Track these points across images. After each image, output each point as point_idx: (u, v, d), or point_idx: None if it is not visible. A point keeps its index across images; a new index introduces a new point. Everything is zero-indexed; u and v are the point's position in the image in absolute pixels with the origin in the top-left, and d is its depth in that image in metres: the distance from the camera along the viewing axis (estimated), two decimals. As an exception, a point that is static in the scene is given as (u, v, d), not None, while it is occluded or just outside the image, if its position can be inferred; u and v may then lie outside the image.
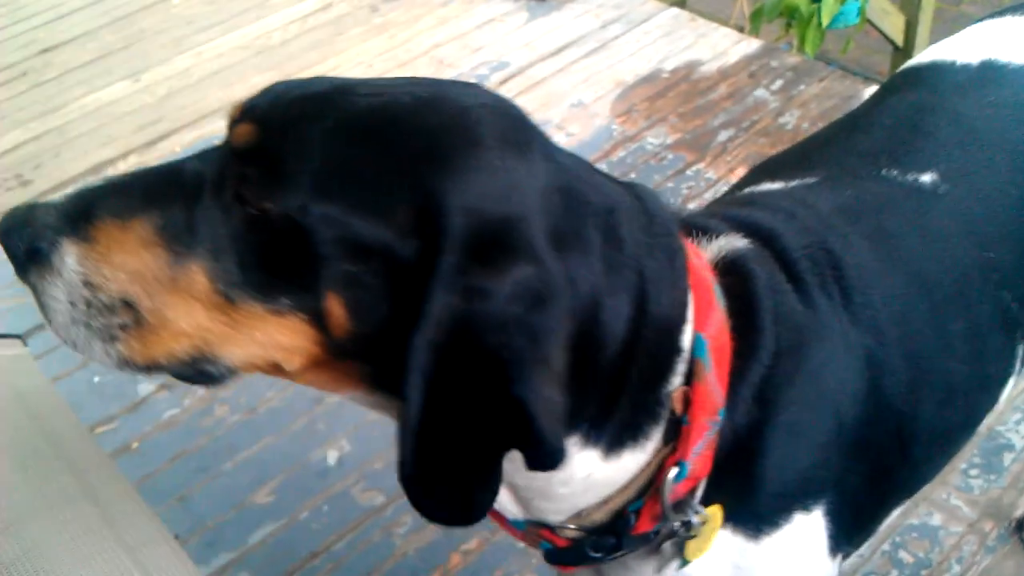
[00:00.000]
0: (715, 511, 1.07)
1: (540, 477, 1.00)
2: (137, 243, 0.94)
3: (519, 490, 1.07)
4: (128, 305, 0.93)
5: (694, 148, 3.23)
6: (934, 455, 1.29)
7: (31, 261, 0.94)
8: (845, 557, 1.22)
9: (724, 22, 3.96)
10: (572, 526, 1.09)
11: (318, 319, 0.90)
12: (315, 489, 2.34)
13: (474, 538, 2.18)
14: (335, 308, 0.89)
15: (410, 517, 2.24)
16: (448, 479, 0.92)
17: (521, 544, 2.14)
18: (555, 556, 1.14)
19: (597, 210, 0.95)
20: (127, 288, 0.93)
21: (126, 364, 0.95)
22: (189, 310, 0.93)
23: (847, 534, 1.17)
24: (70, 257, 0.93)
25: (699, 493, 1.07)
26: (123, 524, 1.13)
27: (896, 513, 1.35)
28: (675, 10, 3.94)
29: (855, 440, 1.13)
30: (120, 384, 2.66)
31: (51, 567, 1.04)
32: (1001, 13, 1.56)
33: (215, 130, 3.60)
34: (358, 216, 0.87)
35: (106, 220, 0.94)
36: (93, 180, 0.98)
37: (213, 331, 0.93)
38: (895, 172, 1.31)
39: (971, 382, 1.27)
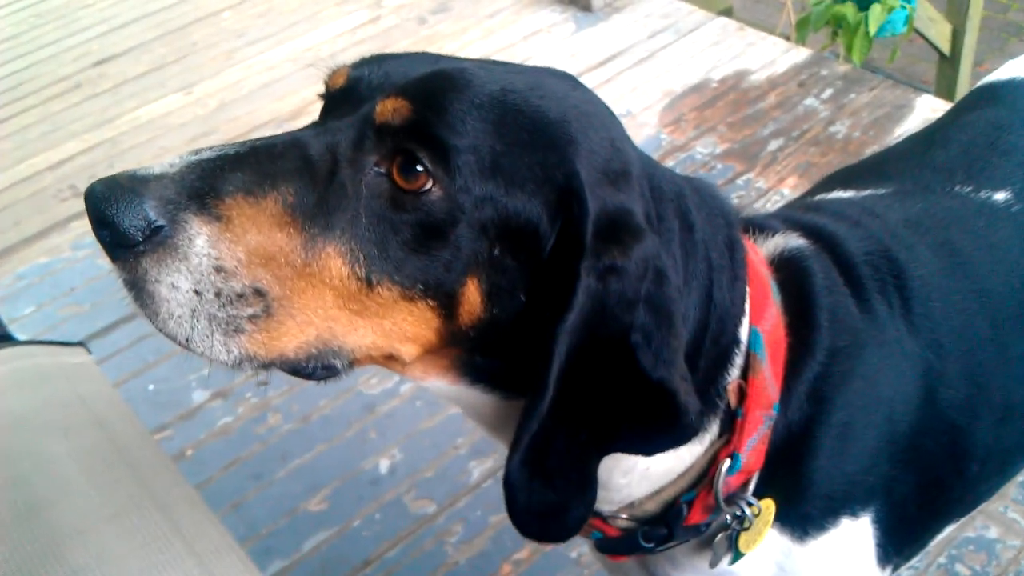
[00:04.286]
0: (768, 504, 1.07)
1: (603, 467, 1.01)
2: (271, 223, 0.84)
3: None
4: (259, 293, 0.83)
5: (744, 158, 3.21)
6: (990, 474, 1.27)
7: (145, 242, 0.79)
8: (895, 568, 1.21)
9: (771, 31, 3.93)
10: (624, 516, 1.10)
11: (448, 306, 0.88)
12: (367, 497, 2.35)
13: (525, 548, 2.18)
14: (472, 293, 0.87)
15: (462, 526, 2.24)
16: (556, 480, 0.91)
17: (573, 553, 2.15)
18: (606, 545, 1.15)
19: (670, 196, 0.97)
20: (260, 274, 0.83)
21: (247, 360, 0.85)
22: (321, 297, 0.85)
23: (896, 545, 1.16)
24: (201, 238, 0.80)
25: (751, 487, 1.07)
26: (191, 532, 1.14)
27: (950, 528, 1.33)
28: (723, 19, 3.92)
29: (908, 449, 1.12)
30: (174, 392, 2.70)
31: (121, 575, 1.05)
32: None
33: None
34: (515, 196, 0.86)
35: (237, 197, 0.83)
36: (202, 150, 0.88)
37: (341, 320, 0.87)
38: (969, 188, 1.30)
39: None
